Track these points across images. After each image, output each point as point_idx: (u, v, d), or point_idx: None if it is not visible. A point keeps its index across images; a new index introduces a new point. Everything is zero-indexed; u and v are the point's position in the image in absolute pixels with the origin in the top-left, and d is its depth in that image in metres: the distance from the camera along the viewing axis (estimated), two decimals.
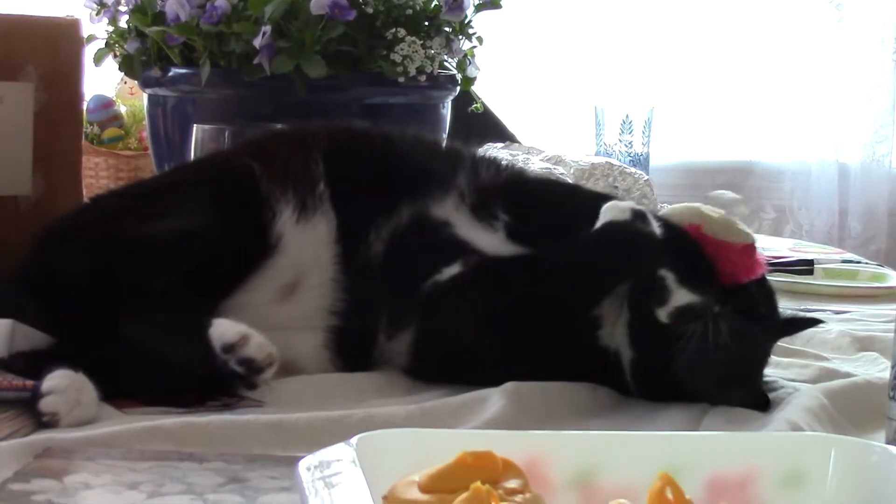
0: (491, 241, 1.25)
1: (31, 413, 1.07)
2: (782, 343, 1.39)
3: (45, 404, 1.06)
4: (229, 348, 1.12)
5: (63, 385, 1.07)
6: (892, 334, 1.00)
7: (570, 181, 1.36)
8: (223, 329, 1.13)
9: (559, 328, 1.20)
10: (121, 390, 1.14)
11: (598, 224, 1.19)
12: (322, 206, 1.28)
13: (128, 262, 1.22)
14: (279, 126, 1.48)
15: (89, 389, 1.09)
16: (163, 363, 1.14)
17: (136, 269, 1.21)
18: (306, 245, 1.26)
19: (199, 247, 1.24)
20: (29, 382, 1.09)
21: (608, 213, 1.19)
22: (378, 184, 1.30)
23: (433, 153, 1.36)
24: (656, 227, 1.19)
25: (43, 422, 1.06)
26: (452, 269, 1.23)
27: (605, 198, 1.26)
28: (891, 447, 0.86)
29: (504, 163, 1.37)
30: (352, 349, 1.26)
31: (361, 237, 1.27)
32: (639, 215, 1.19)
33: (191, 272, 1.22)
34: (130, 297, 1.18)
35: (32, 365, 1.13)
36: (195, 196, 1.28)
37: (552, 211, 1.28)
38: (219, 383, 1.17)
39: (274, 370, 1.14)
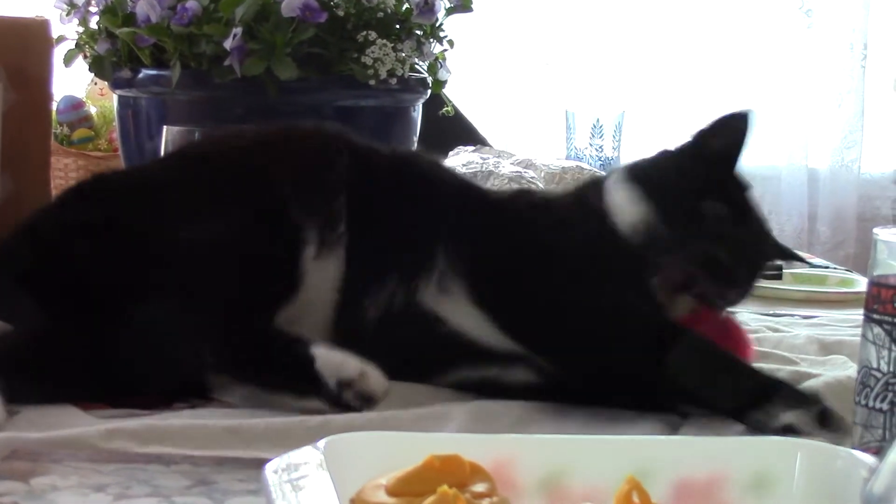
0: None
1: None
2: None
3: None
4: (347, 384, 1.10)
5: None
6: (860, 339, 1.00)
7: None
8: (336, 363, 1.11)
9: None
10: (90, 392, 1.13)
11: None
12: (337, 250, 1.23)
13: (166, 270, 1.16)
14: (293, 125, 1.36)
15: None
16: (133, 366, 1.14)
17: (179, 278, 1.16)
18: (318, 283, 1.22)
19: (243, 266, 1.18)
20: None
21: None
22: (384, 240, 1.25)
23: (430, 209, 1.27)
24: None
25: None
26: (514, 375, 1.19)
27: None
28: (856, 451, 0.87)
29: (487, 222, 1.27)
30: None
31: (359, 295, 1.23)
32: None
33: (232, 290, 1.18)
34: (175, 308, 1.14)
35: None
36: (226, 212, 1.21)
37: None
38: (187, 386, 1.17)
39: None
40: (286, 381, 1.13)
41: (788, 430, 1.04)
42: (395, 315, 1.23)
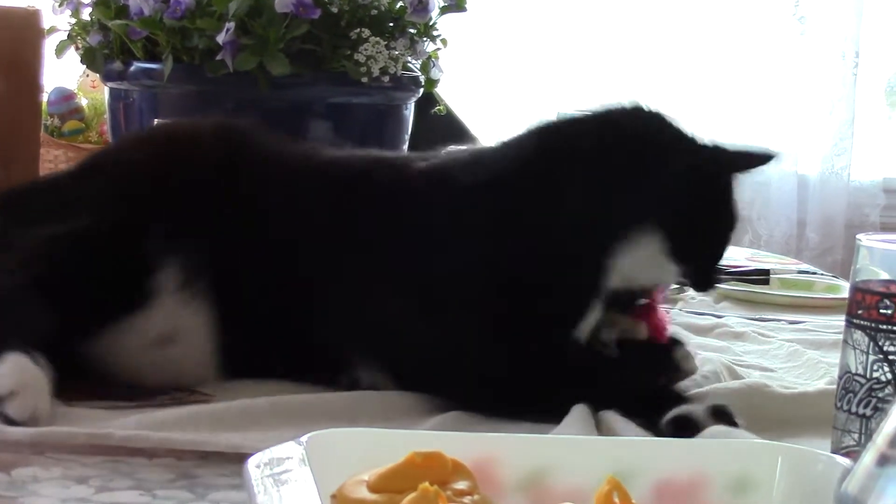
0: None
1: None
2: (733, 359, 1.41)
3: None
4: (2, 399, 1.03)
5: None
6: (841, 344, 1.01)
7: None
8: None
9: None
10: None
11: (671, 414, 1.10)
12: (201, 300, 1.20)
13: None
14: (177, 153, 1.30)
15: None
16: None
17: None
18: (186, 317, 1.19)
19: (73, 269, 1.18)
20: None
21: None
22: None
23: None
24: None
25: None
26: None
27: None
28: (836, 456, 0.87)
29: None
30: None
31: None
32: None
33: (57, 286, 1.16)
34: None
35: None
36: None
37: None
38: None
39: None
40: None
41: (681, 421, 1.08)
42: None
